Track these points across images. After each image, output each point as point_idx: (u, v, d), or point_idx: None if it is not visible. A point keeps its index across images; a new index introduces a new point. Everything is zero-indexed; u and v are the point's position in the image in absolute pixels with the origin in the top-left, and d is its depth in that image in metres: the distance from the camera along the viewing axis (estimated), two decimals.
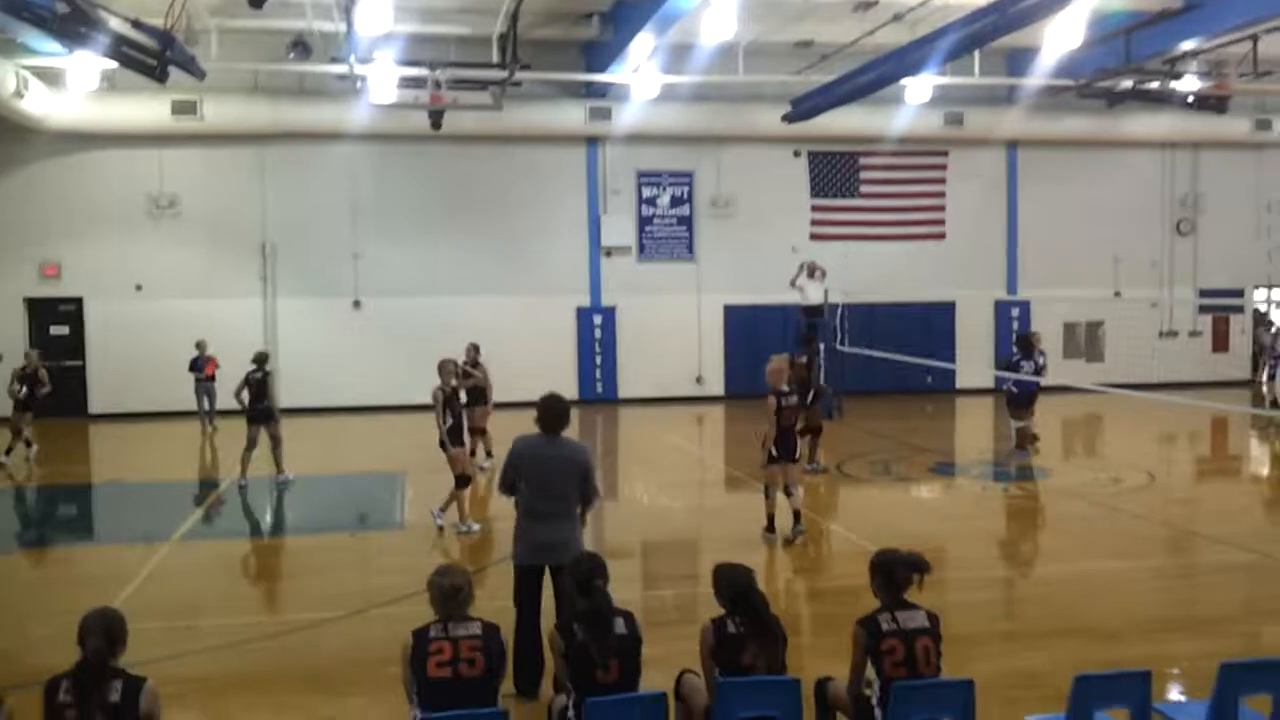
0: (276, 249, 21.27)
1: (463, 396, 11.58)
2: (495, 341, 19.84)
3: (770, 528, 10.60)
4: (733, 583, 5.09)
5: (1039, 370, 15.26)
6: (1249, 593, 9.45)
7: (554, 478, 6.51)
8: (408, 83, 18.01)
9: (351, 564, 10.46)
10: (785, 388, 10.74)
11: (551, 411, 6.60)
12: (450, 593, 4.82)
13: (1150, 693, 4.92)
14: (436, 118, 18.39)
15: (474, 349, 14.89)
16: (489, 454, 14.20)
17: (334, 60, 17.79)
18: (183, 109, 19.63)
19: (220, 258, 21.20)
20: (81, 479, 15.86)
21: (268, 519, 13.23)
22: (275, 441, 13.97)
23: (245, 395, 13.81)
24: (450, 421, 11.13)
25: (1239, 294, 24.62)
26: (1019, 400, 15.32)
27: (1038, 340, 15.74)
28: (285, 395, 20.62)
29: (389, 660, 4.98)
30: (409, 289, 21.61)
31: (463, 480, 11.04)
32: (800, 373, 14.60)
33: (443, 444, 11.17)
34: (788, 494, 10.57)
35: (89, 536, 12.97)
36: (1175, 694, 6.14)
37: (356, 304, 21.66)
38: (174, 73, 14.50)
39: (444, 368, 11.33)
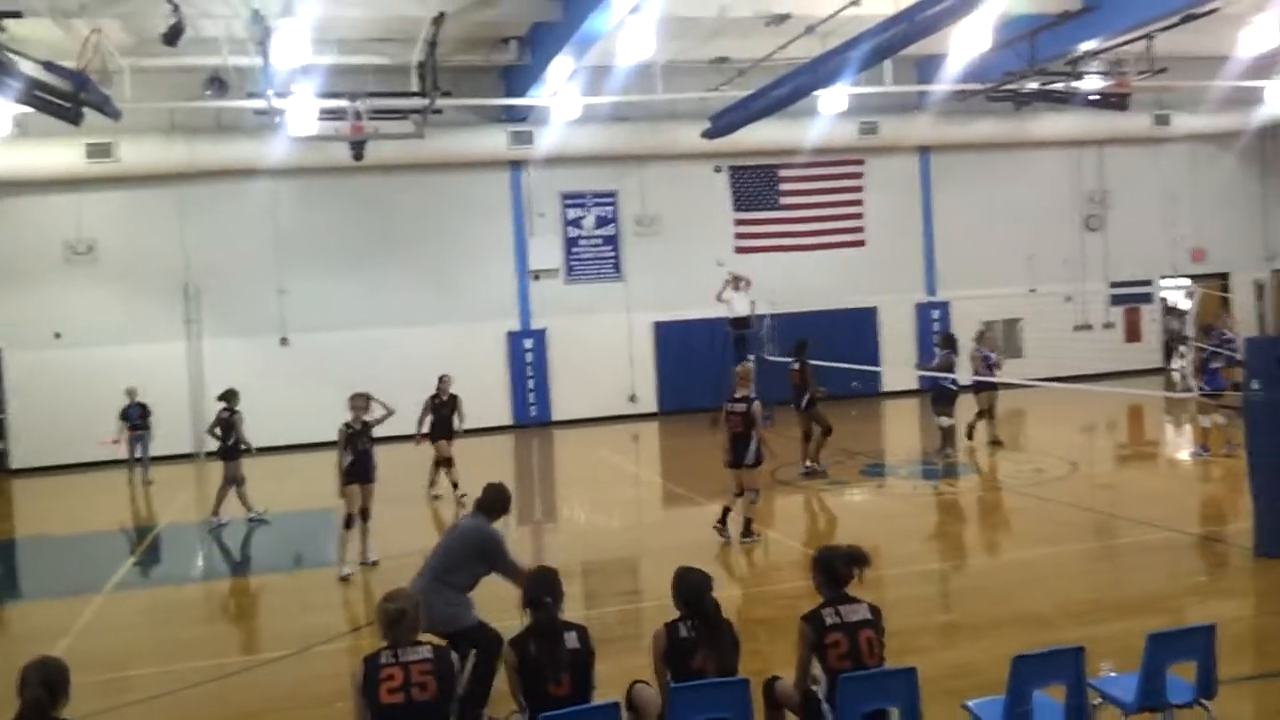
0: (200, 289, 20.95)
1: (373, 431, 11.36)
2: (427, 370, 19.70)
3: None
4: (690, 586, 5.22)
5: (990, 367, 15.71)
6: (1171, 569, 9.84)
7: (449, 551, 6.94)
8: (327, 114, 17.87)
9: (288, 604, 10.38)
10: (737, 395, 10.98)
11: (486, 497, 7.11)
12: (396, 617, 4.83)
13: (1084, 669, 5.15)
14: (358, 148, 18.30)
15: (444, 380, 14.78)
16: (455, 485, 14.09)
17: (251, 95, 17.59)
18: (98, 152, 19.29)
19: (141, 301, 20.81)
20: (4, 535, 15.46)
21: (200, 564, 13.03)
22: (239, 481, 13.88)
23: (218, 433, 13.76)
24: (350, 459, 11.01)
25: (1148, 284, 25.50)
26: (945, 396, 15.67)
27: (988, 341, 16.21)
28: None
29: (333, 695, 5.00)
30: (337, 323, 21.43)
31: (347, 520, 10.89)
32: (793, 378, 14.94)
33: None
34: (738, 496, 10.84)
35: (16, 593, 12.64)
36: (1108, 670, 6.39)
37: (284, 341, 21.41)
38: (88, 115, 14.31)
39: (353, 403, 11.18)
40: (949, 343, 15.98)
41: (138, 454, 17.84)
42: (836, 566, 5.25)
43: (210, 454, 15.93)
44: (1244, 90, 23.53)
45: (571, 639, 4.99)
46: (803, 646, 5.15)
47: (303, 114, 17.65)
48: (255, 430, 20.32)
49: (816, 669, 5.12)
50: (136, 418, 17.72)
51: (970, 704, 5.34)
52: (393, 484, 11.44)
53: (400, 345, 21.13)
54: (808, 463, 14.93)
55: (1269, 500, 9.40)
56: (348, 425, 11.02)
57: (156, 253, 20.75)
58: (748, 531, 11.05)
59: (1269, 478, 9.39)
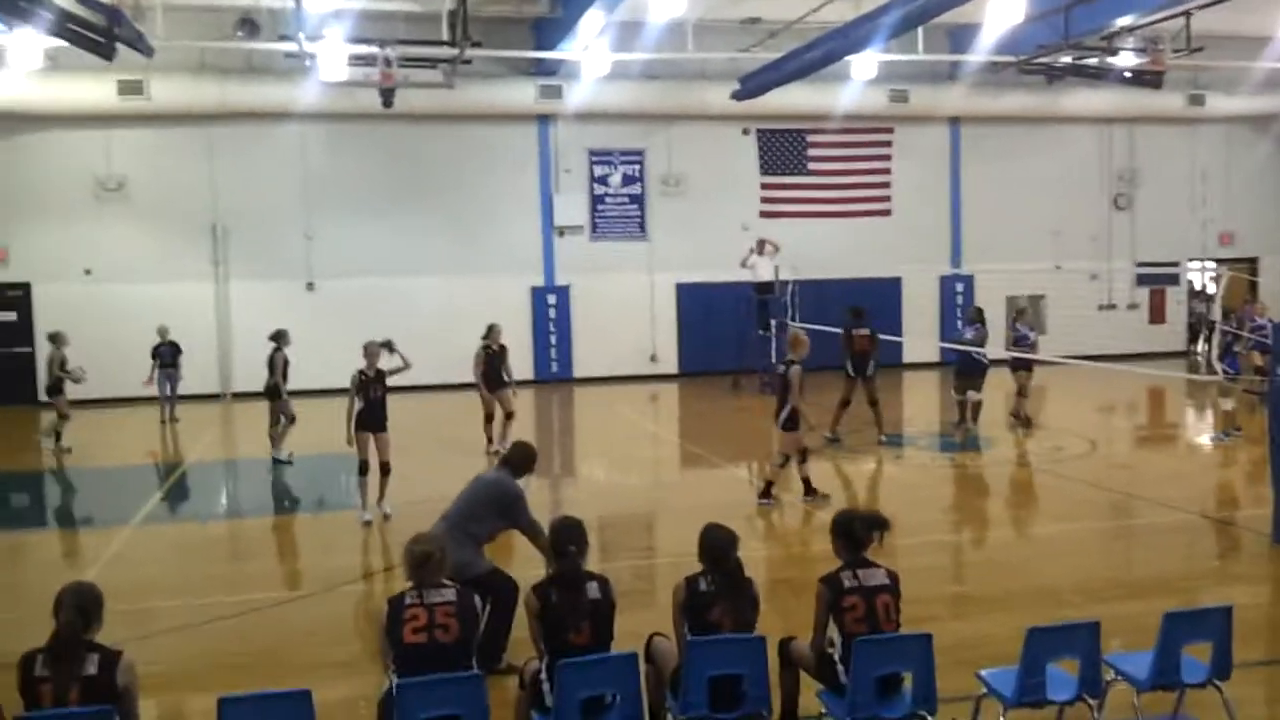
0: (228, 231, 21.07)
1: (387, 380, 11.39)
2: (450, 321, 19.99)
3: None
4: (712, 542, 5.28)
5: (977, 341, 15.54)
6: (1188, 550, 9.87)
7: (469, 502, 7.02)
8: (358, 60, 17.85)
9: (314, 545, 10.54)
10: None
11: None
12: (422, 559, 4.91)
13: (1099, 644, 5.20)
14: (387, 96, 18.26)
15: (494, 330, 14.88)
16: (489, 440, 14.26)
17: (282, 38, 17.62)
18: (129, 89, 19.32)
19: (170, 241, 20.96)
20: (33, 466, 15.68)
21: (227, 502, 13.22)
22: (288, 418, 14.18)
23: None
24: (360, 406, 11.06)
25: (1175, 266, 25.31)
26: (962, 370, 15.62)
27: (1027, 319, 16.04)
28: (239, 379, 20.65)
29: (351, 635, 5.09)
30: (362, 269, 21.53)
31: (361, 467, 10.99)
32: (863, 344, 14.90)
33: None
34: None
35: (47, 522, 12.88)
36: (1122, 647, 6.45)
37: (310, 285, 21.53)
38: (120, 51, 14.30)
39: (367, 350, 11.21)
40: (979, 316, 15.90)
41: (167, 392, 18.11)
42: (856, 530, 5.30)
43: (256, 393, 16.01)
44: None
45: (593, 589, 5.07)
46: (820, 608, 5.21)
47: (333, 59, 17.64)
48: None
49: (833, 631, 5.19)
50: (169, 356, 17.96)
51: (983, 673, 5.40)
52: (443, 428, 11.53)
53: (424, 295, 21.24)
54: (837, 432, 14.98)
55: None
56: (361, 373, 11.07)
57: (185, 192, 20.86)
58: (766, 494, 11.15)
59: None
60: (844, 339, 15.26)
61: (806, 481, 11.21)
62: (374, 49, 17.66)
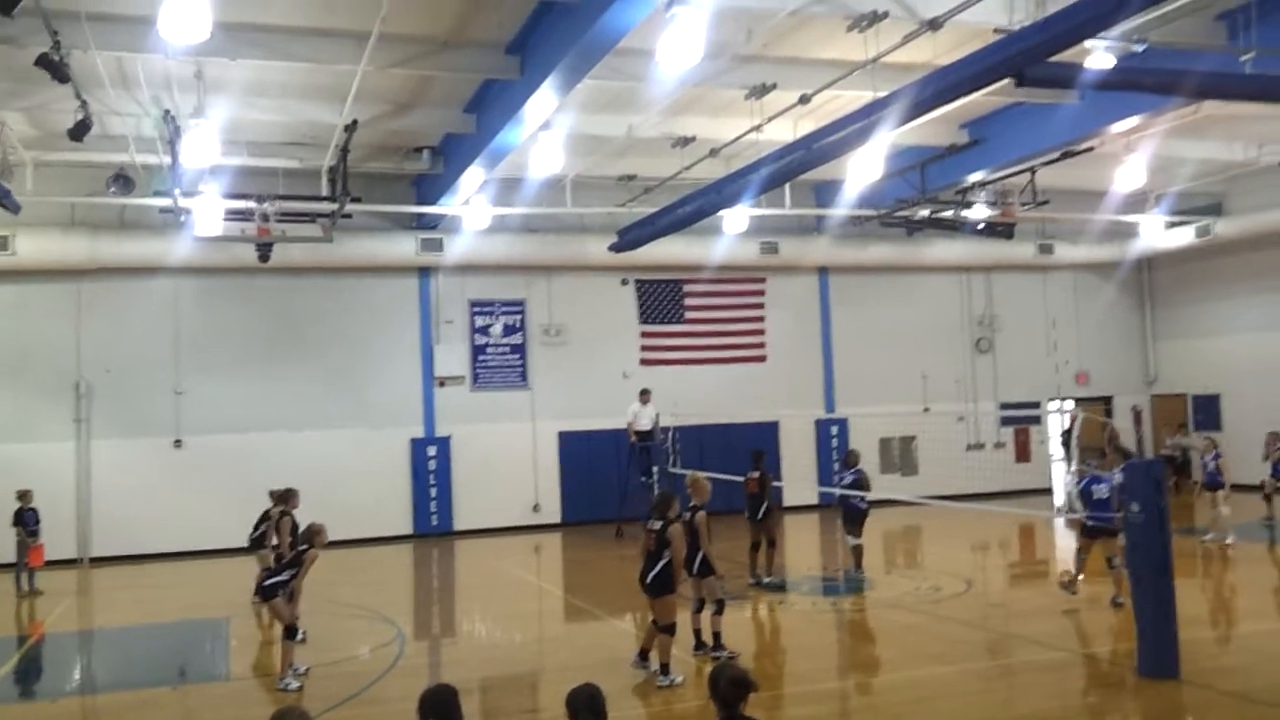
0: (92, 388, 20.33)
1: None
2: (328, 476, 19.53)
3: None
4: (579, 701, 5.14)
5: (856, 484, 15.78)
6: (1060, 689, 10.04)
7: None
8: (234, 215, 17.79)
9: None
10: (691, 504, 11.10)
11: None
12: None
13: None
14: (265, 250, 18.20)
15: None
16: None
17: (157, 193, 17.51)
18: None
19: (29, 399, 20.07)
20: None
21: (80, 677, 12.40)
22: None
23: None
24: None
25: (1036, 406, 26.43)
26: (847, 516, 15.83)
27: (855, 459, 16.38)
28: (101, 543, 19.67)
29: None
30: (235, 425, 20.95)
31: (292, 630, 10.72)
32: (751, 487, 15.03)
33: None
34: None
35: None
36: None
37: (178, 443, 20.80)
38: None
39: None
40: (854, 460, 16.24)
41: (26, 560, 16.77)
42: (722, 689, 5.27)
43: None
44: (1121, 224, 25.02)
45: None
46: None
47: (209, 214, 17.54)
48: (146, 535, 19.85)
49: None
50: (32, 523, 16.77)
51: None
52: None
53: (301, 449, 20.74)
54: (758, 575, 15.06)
55: (1150, 620, 9.70)
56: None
57: (47, 349, 20.15)
58: (718, 644, 10.90)
59: (1149, 598, 9.71)
60: (744, 483, 15.50)
61: (717, 635, 10.98)
62: (251, 203, 17.67)
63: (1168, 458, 24.31)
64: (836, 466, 16.30)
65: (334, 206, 17.27)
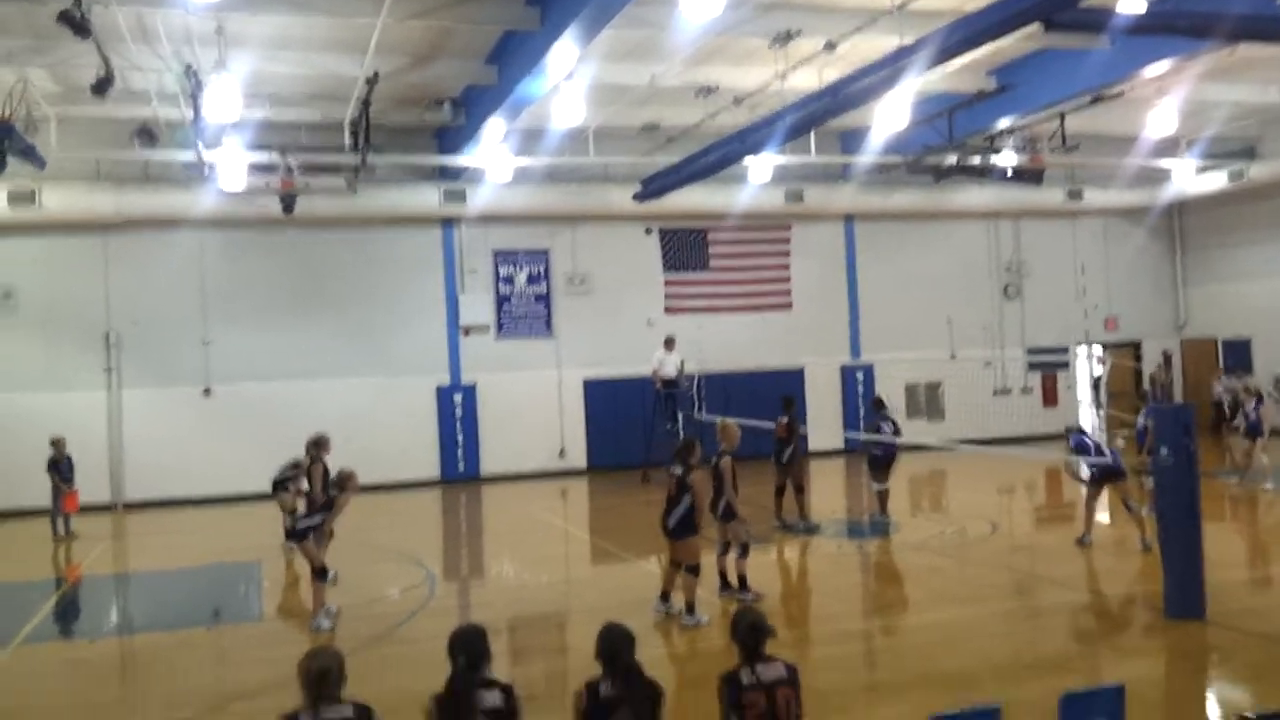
0: (121, 338, 20.57)
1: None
2: (354, 424, 19.70)
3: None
4: (609, 642, 5.23)
5: (896, 430, 15.89)
6: (1086, 629, 10.09)
7: None
8: (258, 169, 17.86)
9: (207, 660, 10.14)
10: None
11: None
12: (320, 676, 4.74)
13: None
14: (288, 203, 18.29)
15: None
16: None
17: (181, 147, 17.55)
18: (19, 198, 18.93)
19: (61, 350, 20.33)
20: None
21: (117, 618, 12.68)
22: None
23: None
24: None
25: (1064, 351, 26.24)
26: (880, 462, 15.90)
27: (882, 404, 16.43)
28: (134, 488, 20.01)
29: None
30: (263, 374, 21.17)
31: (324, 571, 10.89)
32: (780, 432, 15.15)
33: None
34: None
35: None
36: None
37: (207, 391, 21.06)
38: (11, 162, 14.08)
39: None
40: (880, 405, 16.27)
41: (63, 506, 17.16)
42: (741, 633, 5.35)
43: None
44: (1151, 169, 24.63)
45: (494, 697, 4.94)
46: (722, 706, 5.20)
47: (232, 167, 17.62)
48: (177, 481, 20.17)
49: None
50: (67, 470, 17.12)
51: None
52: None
53: (327, 398, 20.92)
54: (783, 518, 15.24)
55: (1177, 562, 9.71)
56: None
57: (78, 300, 20.37)
58: (744, 586, 11.01)
59: (1177, 540, 9.71)
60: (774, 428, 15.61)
61: (742, 577, 11.07)
62: (275, 157, 17.71)
63: (1217, 403, 24.04)
64: (863, 412, 16.28)
65: (356, 159, 17.29)
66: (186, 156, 17.57)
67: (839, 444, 22.77)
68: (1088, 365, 26.21)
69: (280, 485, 14.65)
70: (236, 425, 20.70)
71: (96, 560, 15.54)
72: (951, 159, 20.52)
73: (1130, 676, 7.62)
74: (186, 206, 19.68)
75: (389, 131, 19.26)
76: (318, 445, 13.77)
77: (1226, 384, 24.49)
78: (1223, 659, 8.91)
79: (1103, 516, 13.59)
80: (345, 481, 10.99)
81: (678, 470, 10.49)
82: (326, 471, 13.32)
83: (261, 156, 17.73)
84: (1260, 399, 17.87)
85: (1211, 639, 9.23)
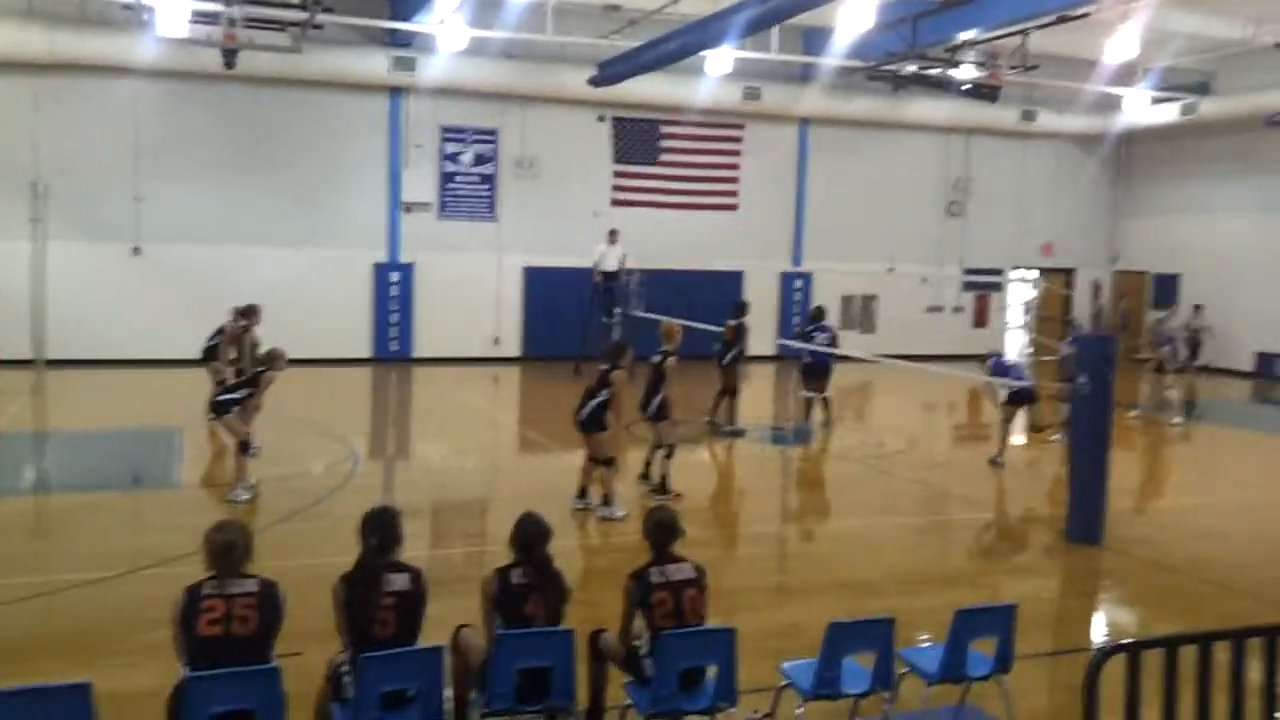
0: (49, 188, 19.76)
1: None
2: (287, 294, 19.39)
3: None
4: (525, 532, 5.30)
5: (833, 341, 16.07)
6: (990, 547, 10.45)
7: None
8: (200, 17, 17.11)
9: (124, 523, 10.11)
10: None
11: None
12: (225, 548, 4.74)
13: (893, 638, 5.45)
14: (230, 57, 17.55)
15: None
16: None
17: None
18: None
19: None
20: None
21: (32, 476, 12.53)
22: None
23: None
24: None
25: (999, 273, 26.60)
26: (810, 370, 16.08)
27: (822, 314, 16.58)
28: (56, 346, 19.54)
29: (160, 621, 4.91)
30: (195, 236, 20.64)
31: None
32: (728, 334, 15.22)
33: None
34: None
35: None
36: (921, 640, 6.78)
37: (136, 250, 20.50)
38: None
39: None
40: (821, 315, 16.41)
41: None
42: (651, 533, 5.46)
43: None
44: (1106, 97, 24.66)
45: (401, 580, 4.99)
46: (628, 603, 5.31)
47: (174, 13, 16.85)
48: (103, 340, 19.77)
49: (642, 624, 5.29)
50: None
51: (784, 665, 5.61)
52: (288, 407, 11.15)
53: (261, 265, 20.50)
54: (717, 420, 15.37)
55: (1083, 489, 10.03)
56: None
57: (3, 144, 19.53)
58: (664, 486, 11.13)
59: (1083, 468, 10.02)
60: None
61: (664, 477, 11.18)
62: (218, 6, 16.95)
63: (1169, 340, 24.47)
64: (797, 321, 16.42)
65: (304, 15, 16.62)
66: None
67: (772, 350, 22.95)
68: (1021, 288, 26.64)
69: (210, 353, 14.42)
70: (166, 287, 20.24)
71: (14, 417, 15.26)
72: (911, 68, 20.30)
73: (1024, 595, 7.94)
74: (124, 52, 18.80)
75: None
76: (247, 314, 13.55)
77: (1198, 323, 24.30)
78: (1114, 583, 9.29)
79: (1017, 439, 13.94)
80: (274, 360, 10.86)
81: (604, 367, 10.51)
82: (256, 343, 13.16)
83: (205, 4, 16.97)
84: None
85: (1106, 564, 9.61)
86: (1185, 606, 8.54)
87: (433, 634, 5.12)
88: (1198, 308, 24.45)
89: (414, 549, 5.42)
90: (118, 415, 15.40)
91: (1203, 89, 24.68)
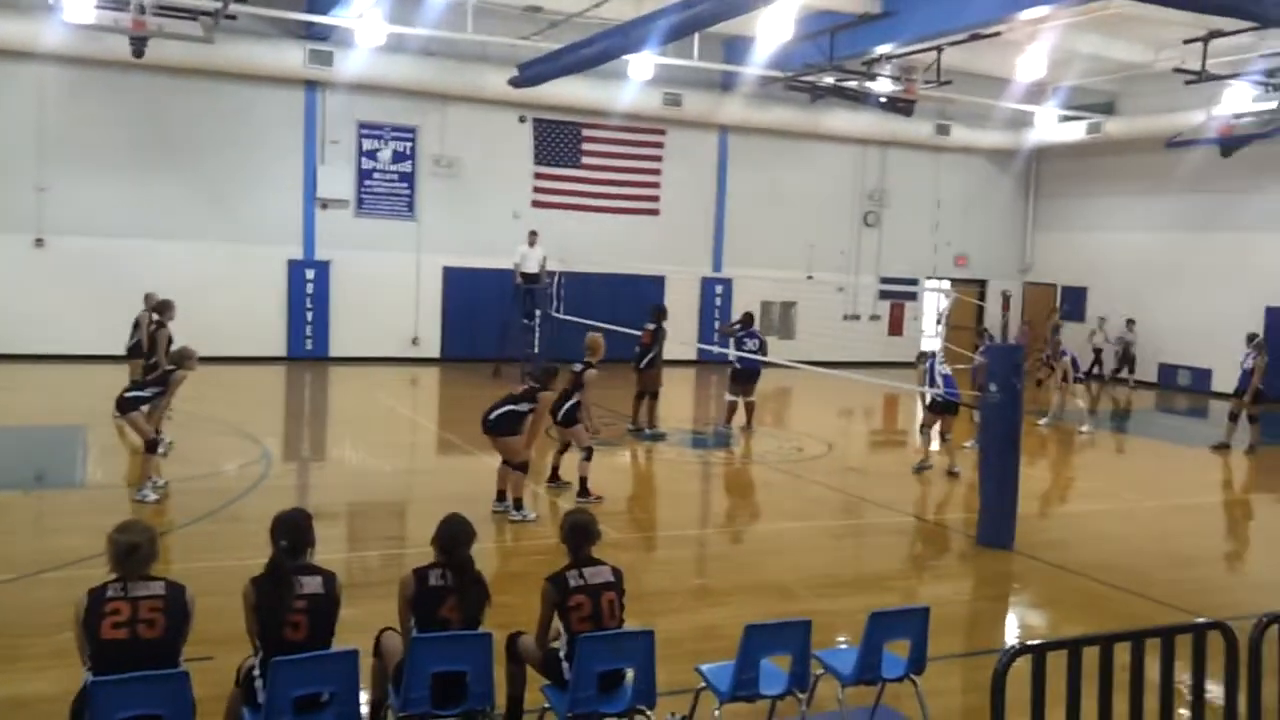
0: None
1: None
2: (198, 289, 18.93)
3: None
4: (448, 533, 5.23)
5: (763, 348, 16.28)
6: (904, 551, 10.63)
7: None
8: (108, 3, 16.58)
9: (26, 525, 9.75)
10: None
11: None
12: (129, 550, 4.59)
13: (809, 640, 5.50)
14: (139, 45, 17.04)
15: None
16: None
17: None
18: None
19: None
20: None
21: None
22: None
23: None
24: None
25: (914, 283, 27.14)
26: (739, 376, 16.20)
27: (753, 320, 16.81)
28: None
29: (64, 625, 4.74)
30: (102, 229, 19.99)
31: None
32: (645, 339, 15.30)
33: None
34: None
35: None
36: (838, 642, 6.87)
37: (39, 242, 19.79)
38: None
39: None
40: (749, 321, 16.61)
41: None
42: (569, 536, 5.45)
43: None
44: (1017, 114, 25.35)
45: (314, 583, 4.89)
46: (545, 606, 5.29)
47: None
48: (3, 335, 19.02)
49: (559, 627, 5.27)
50: None
51: (702, 668, 5.62)
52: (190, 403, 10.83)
53: (172, 260, 19.96)
54: (639, 424, 15.56)
55: (993, 495, 10.27)
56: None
57: None
58: (584, 489, 11.21)
59: (995, 474, 10.26)
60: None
61: (583, 480, 11.21)
62: None
63: (1096, 350, 25.32)
64: (737, 327, 16.60)
65: (216, 5, 16.25)
66: None
67: (693, 355, 23.10)
68: (934, 298, 27.20)
69: (135, 350, 13.99)
70: (71, 281, 19.58)
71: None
72: (829, 79, 20.61)
73: (937, 598, 8.12)
74: (29, 37, 18.17)
75: None
76: (161, 309, 13.19)
77: (1125, 336, 25.23)
78: (1023, 586, 9.53)
79: (935, 444, 14.23)
80: (184, 360, 10.59)
81: (534, 385, 10.47)
82: (170, 340, 12.83)
83: None
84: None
85: (1016, 567, 9.85)
86: (1089, 608, 8.78)
87: (350, 638, 5.03)
88: (1130, 322, 25.34)
89: (330, 552, 5.32)
90: (19, 412, 14.84)
91: (1108, 109, 25.50)
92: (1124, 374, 25.25)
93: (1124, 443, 18.97)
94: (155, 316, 13.34)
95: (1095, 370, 25.28)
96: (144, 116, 20.25)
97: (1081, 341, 24.31)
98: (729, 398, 16.18)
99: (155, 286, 14.94)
